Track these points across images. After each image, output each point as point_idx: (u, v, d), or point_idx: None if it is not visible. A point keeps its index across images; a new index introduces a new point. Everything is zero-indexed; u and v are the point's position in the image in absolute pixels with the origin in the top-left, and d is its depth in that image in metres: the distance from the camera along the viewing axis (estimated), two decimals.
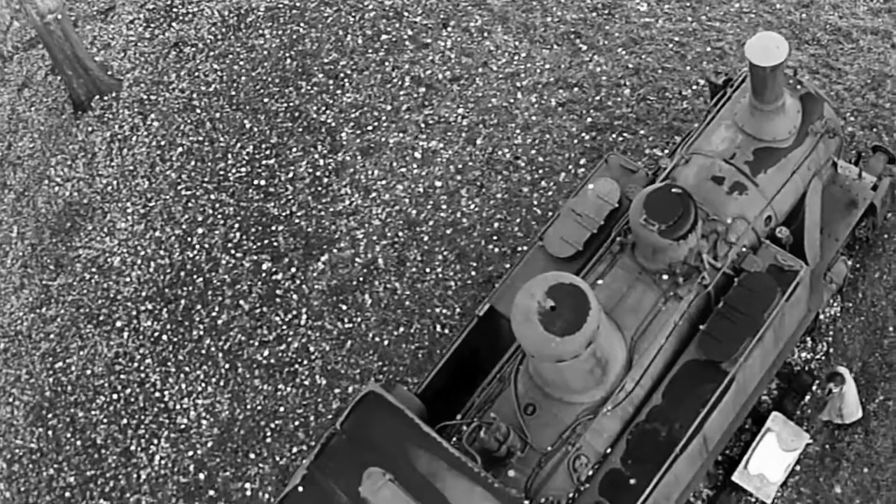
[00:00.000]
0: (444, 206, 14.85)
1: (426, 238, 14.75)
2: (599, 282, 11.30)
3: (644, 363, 10.97)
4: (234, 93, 16.76)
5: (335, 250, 15.12)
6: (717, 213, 11.36)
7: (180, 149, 16.68)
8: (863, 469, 12.85)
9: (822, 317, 13.30)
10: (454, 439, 10.89)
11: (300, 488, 10.52)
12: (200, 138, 16.59)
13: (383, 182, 15.28)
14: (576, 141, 14.34)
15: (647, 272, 11.18)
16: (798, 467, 13.00)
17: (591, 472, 10.80)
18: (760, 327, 10.87)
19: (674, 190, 10.84)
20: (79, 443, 15.14)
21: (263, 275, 15.28)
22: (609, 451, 10.88)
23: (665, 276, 11.13)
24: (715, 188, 11.50)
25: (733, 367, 10.77)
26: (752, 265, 11.24)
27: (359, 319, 14.65)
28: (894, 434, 12.90)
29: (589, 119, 14.94)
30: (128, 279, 16.26)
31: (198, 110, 16.87)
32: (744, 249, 11.39)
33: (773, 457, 13.00)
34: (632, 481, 10.58)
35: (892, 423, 12.94)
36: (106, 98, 17.73)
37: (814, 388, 12.93)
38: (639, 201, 10.87)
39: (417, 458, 10.21)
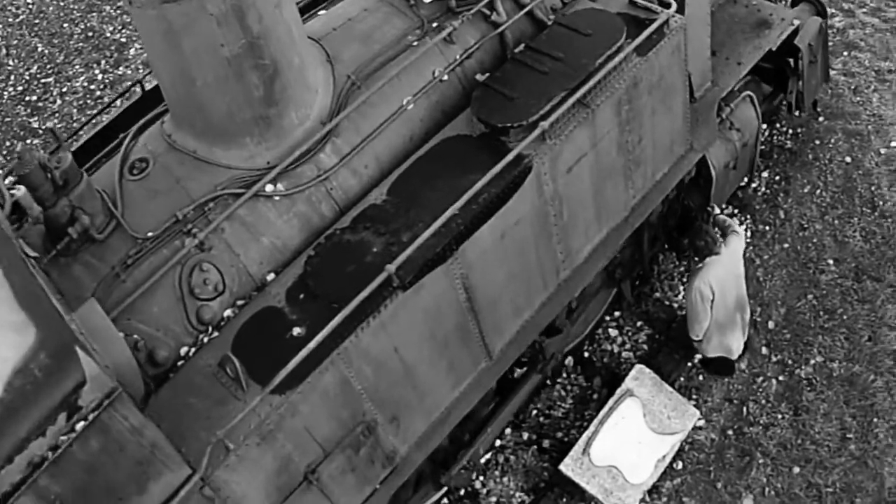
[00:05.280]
0: None
1: None
2: (322, 13, 5.49)
3: (364, 127, 4.99)
4: (37, 21, 12.49)
5: None
6: None
7: None
8: (791, 468, 6.39)
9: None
10: None
11: None
12: None
13: None
14: None
15: None
16: (681, 463, 6.48)
17: (229, 312, 4.46)
18: (586, 80, 4.93)
19: None
20: None
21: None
22: (270, 273, 4.62)
23: None
24: None
25: (523, 141, 4.73)
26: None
27: None
28: (842, 412, 6.43)
29: None
30: None
31: None
32: None
33: (635, 441, 6.56)
34: (297, 331, 4.32)
35: (838, 397, 6.57)
36: None
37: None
38: None
39: None
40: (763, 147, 8.07)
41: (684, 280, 7.41)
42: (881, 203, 7.56)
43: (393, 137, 5.24)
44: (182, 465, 4.07)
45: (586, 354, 7.22)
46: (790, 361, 6.92)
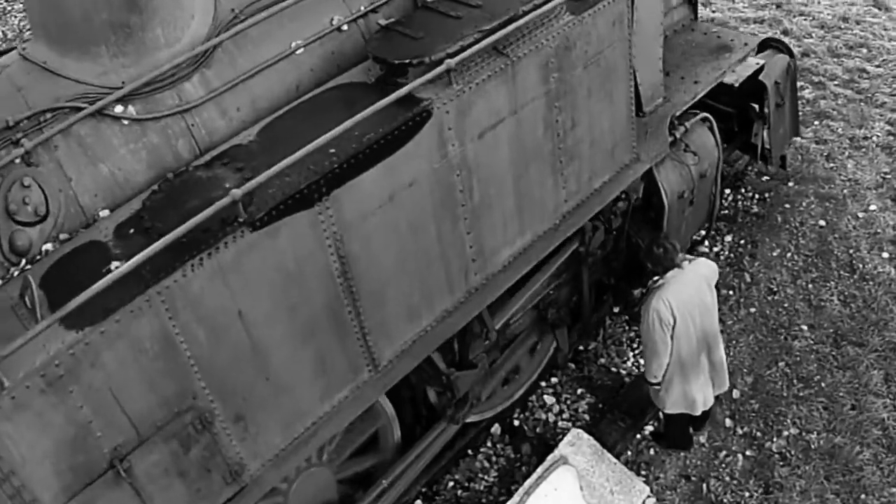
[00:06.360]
0: None
1: None
2: None
3: (242, 64, 4.31)
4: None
5: None
6: None
7: None
8: None
9: None
10: None
11: None
12: None
13: None
14: None
15: None
16: None
17: (49, 246, 3.69)
18: (504, 25, 4.29)
19: None
20: None
21: None
22: (104, 210, 4.11)
23: None
24: None
25: (418, 77, 4.00)
26: None
27: None
28: (823, 489, 5.36)
29: None
30: None
31: None
32: None
33: None
34: (115, 265, 3.51)
35: (818, 472, 5.51)
36: None
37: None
38: None
39: None
40: (726, 212, 7.31)
41: (635, 346, 6.40)
42: (861, 266, 6.70)
43: (275, 83, 4.45)
44: None
45: (516, 422, 6.10)
46: (759, 434, 5.81)
